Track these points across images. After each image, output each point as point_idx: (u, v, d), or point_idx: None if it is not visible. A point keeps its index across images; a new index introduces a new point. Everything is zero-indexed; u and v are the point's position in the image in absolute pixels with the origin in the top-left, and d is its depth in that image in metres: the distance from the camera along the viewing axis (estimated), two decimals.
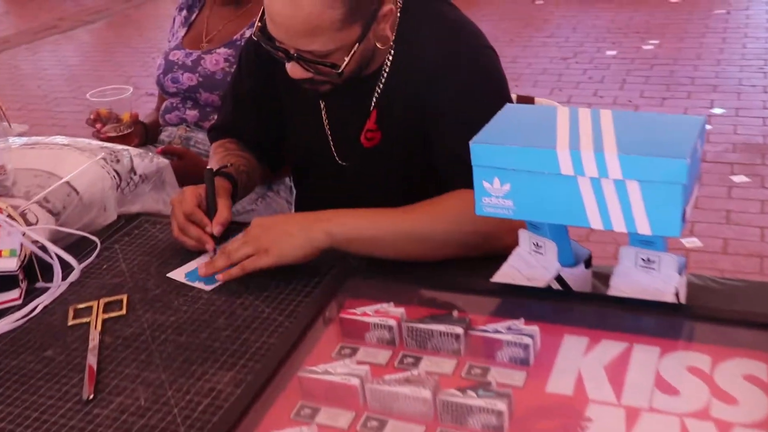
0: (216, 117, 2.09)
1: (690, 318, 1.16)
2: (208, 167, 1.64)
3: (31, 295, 1.45)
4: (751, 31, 5.82)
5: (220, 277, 1.39)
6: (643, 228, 1.10)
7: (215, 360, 1.22)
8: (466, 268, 1.39)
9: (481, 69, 1.49)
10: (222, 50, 2.29)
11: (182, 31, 2.45)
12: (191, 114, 2.35)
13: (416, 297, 1.25)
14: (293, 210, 2.17)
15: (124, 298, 1.40)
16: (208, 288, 1.42)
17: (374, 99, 1.56)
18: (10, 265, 1.39)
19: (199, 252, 1.52)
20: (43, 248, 1.47)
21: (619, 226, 1.11)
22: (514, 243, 1.40)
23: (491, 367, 1.09)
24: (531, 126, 1.19)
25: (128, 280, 1.47)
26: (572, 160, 1.09)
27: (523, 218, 1.19)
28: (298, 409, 1.05)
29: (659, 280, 1.18)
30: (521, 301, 1.22)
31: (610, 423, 0.98)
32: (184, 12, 2.49)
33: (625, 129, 1.12)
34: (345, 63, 1.40)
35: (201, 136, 2.33)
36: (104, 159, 1.70)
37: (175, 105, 2.38)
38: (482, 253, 1.42)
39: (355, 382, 1.05)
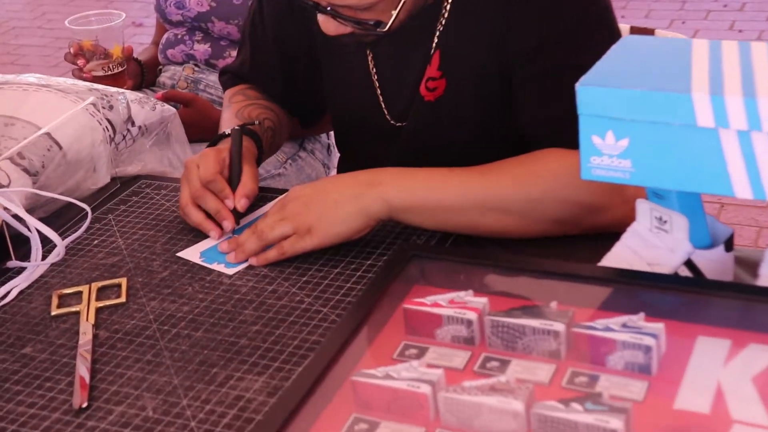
0: (235, 54, 2.06)
1: None
2: (225, 128, 1.64)
3: (1, 277, 1.46)
4: None
5: (253, 261, 1.40)
6: None
7: (242, 362, 1.23)
8: (565, 247, 1.38)
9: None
10: None
11: None
12: (201, 49, 2.34)
13: (502, 283, 1.23)
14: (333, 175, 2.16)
15: (123, 282, 1.41)
16: (231, 272, 1.42)
17: (436, 38, 1.55)
18: None
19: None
20: (18, 218, 1.47)
21: None
22: (626, 218, 1.37)
23: (601, 374, 1.08)
24: (657, 64, 1.17)
25: (127, 259, 1.48)
26: (713, 108, 1.06)
27: (644, 184, 1.16)
28: (351, 424, 1.05)
29: None
30: (639, 292, 1.20)
31: None
32: None
33: None
34: (393, 18, 1.38)
35: (213, 78, 2.32)
36: (94, 105, 1.70)
37: (179, 37, 2.38)
38: (582, 229, 1.41)
39: (426, 389, 1.05)
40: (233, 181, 1.50)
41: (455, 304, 1.17)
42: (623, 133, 1.12)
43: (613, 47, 1.20)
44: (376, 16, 1.37)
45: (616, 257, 1.25)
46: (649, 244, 1.24)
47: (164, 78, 2.39)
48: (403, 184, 1.38)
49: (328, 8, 1.37)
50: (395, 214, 1.37)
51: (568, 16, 1.44)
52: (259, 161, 1.65)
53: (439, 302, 1.17)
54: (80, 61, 2.17)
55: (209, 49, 2.34)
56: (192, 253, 1.48)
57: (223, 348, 1.26)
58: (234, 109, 1.72)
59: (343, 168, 1.89)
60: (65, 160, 1.62)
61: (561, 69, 1.40)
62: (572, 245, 1.38)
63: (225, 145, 1.56)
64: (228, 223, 1.47)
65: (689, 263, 1.22)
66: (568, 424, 0.98)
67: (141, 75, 2.37)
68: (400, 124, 1.64)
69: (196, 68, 2.35)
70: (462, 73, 1.54)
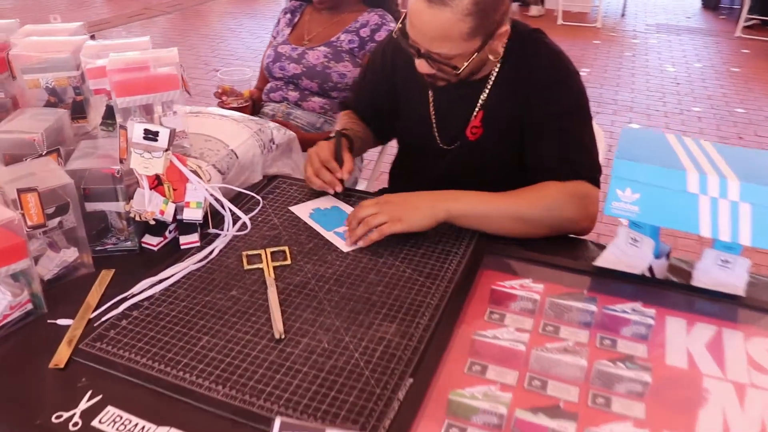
0: (314, 99, 2.01)
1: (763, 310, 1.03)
2: (336, 129, 1.52)
3: (205, 239, 1.26)
4: (650, 70, 5.68)
5: (362, 242, 1.24)
6: (745, 239, 0.97)
7: (377, 312, 1.06)
8: (572, 251, 1.24)
9: (577, 89, 1.34)
10: (322, 48, 2.09)
11: (287, 30, 2.24)
12: (292, 95, 2.15)
13: (545, 275, 1.09)
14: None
15: (286, 249, 1.23)
16: (347, 249, 1.25)
17: (480, 102, 1.41)
18: (197, 215, 1.21)
19: (319, 195, 1.43)
20: (217, 201, 1.28)
21: (725, 235, 0.97)
22: (589, 227, 1.29)
23: (617, 338, 0.95)
24: (654, 148, 1.04)
25: (283, 233, 1.30)
26: (699, 182, 0.96)
27: (646, 222, 1.04)
28: (470, 365, 0.90)
29: (733, 277, 1.05)
30: (629, 286, 1.07)
31: (723, 395, 0.86)
32: (289, 15, 2.28)
33: (731, 159, 0.99)
34: (463, 67, 1.27)
35: (299, 113, 2.13)
36: (256, 132, 1.50)
37: (279, 87, 2.18)
38: (565, 232, 1.29)
39: (521, 348, 0.91)
40: (338, 162, 1.41)
41: (525, 288, 1.03)
42: (637, 190, 1.00)
43: (623, 135, 1.06)
44: (455, 63, 1.26)
45: (607, 259, 1.12)
46: (626, 254, 1.11)
47: (267, 109, 2.19)
48: (462, 199, 1.26)
49: (425, 53, 1.26)
50: (452, 218, 1.25)
51: (564, 101, 1.33)
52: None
53: (514, 286, 1.04)
54: (223, 97, 1.97)
55: (298, 95, 2.14)
56: (302, 210, 1.38)
57: (362, 301, 1.09)
58: (341, 123, 1.62)
59: (399, 171, 1.74)
60: (240, 165, 1.43)
61: (557, 131, 1.31)
62: (576, 250, 1.24)
63: (332, 141, 1.45)
64: (338, 188, 1.40)
65: (650, 268, 1.09)
66: (616, 376, 0.87)
67: (253, 108, 2.15)
68: (446, 147, 1.49)
69: (289, 106, 2.15)
70: (496, 127, 1.41)
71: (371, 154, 2.03)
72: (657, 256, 1.10)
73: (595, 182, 1.30)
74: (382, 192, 1.82)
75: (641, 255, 1.10)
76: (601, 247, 1.20)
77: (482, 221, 1.25)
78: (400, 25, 1.30)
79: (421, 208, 1.24)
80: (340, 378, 0.92)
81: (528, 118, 1.35)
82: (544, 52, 1.36)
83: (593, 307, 0.98)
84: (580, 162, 1.30)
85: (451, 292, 1.08)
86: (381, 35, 2.08)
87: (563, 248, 1.23)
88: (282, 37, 2.23)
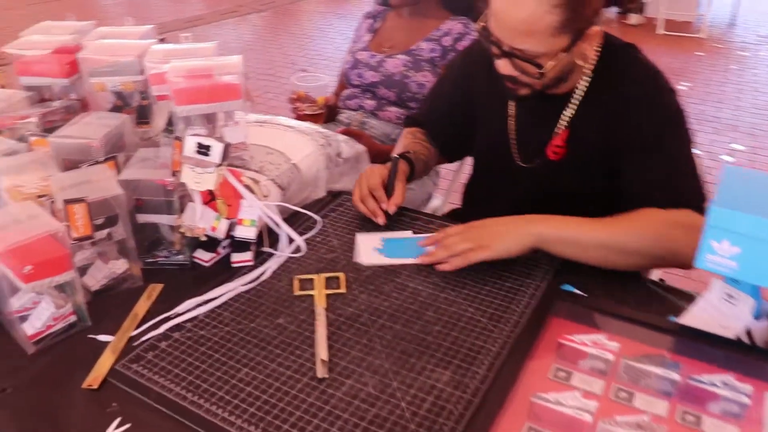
0: (390, 109, 1.92)
1: None
2: (394, 154, 1.42)
3: (258, 257, 1.21)
4: (760, 86, 5.32)
5: (443, 266, 1.15)
6: None
7: (431, 355, 0.97)
8: (652, 305, 1.10)
9: (676, 109, 1.22)
10: (401, 57, 2.02)
11: (368, 36, 2.17)
12: (369, 103, 2.08)
13: (623, 330, 0.97)
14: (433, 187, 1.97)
15: (342, 276, 1.15)
16: (412, 261, 1.19)
17: (564, 119, 1.30)
18: (250, 233, 1.16)
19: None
20: (272, 219, 1.22)
21: None
22: (690, 261, 1.13)
23: (703, 415, 0.83)
24: (761, 194, 0.90)
25: (341, 257, 1.22)
26: None
27: (746, 280, 0.90)
28: (526, 430, 0.80)
29: None
30: (720, 352, 0.93)
31: None
32: (370, 20, 2.21)
33: None
34: (549, 67, 1.16)
35: (374, 122, 2.07)
36: (322, 145, 1.44)
37: (356, 94, 2.12)
38: (666, 266, 1.18)
39: (587, 418, 0.80)
40: (388, 191, 1.31)
41: (597, 345, 0.91)
42: (737, 242, 0.86)
43: (725, 176, 0.93)
44: (536, 61, 1.16)
45: (695, 317, 0.99)
46: (720, 312, 0.98)
47: (342, 117, 2.13)
48: (553, 224, 1.16)
49: (508, 50, 1.17)
50: (542, 243, 1.15)
51: (663, 122, 1.21)
52: (410, 178, 1.43)
53: (585, 341, 0.93)
54: (297, 104, 1.92)
55: (374, 103, 2.07)
56: (373, 237, 1.27)
57: (416, 342, 1.00)
58: (404, 143, 1.52)
59: (474, 190, 1.63)
60: (302, 180, 1.37)
61: (656, 154, 1.20)
62: (658, 300, 1.11)
63: (387, 165, 1.37)
64: (380, 220, 1.29)
65: (748, 331, 0.96)
66: None
67: (328, 115, 2.10)
68: (524, 165, 1.39)
69: (365, 115, 2.09)
70: (580, 148, 1.30)
71: (449, 166, 1.94)
72: (757, 317, 0.97)
73: (702, 211, 1.16)
74: (453, 213, 1.73)
75: (738, 315, 0.96)
76: (688, 298, 1.07)
77: (575, 248, 1.15)
78: (482, 23, 1.21)
79: (509, 233, 1.15)
80: (382, 430, 0.84)
81: (621, 140, 1.23)
82: (639, 68, 1.24)
83: (676, 375, 0.86)
84: (684, 188, 1.18)
85: (514, 339, 0.98)
86: (463, 45, 1.99)
87: (642, 296, 1.11)
88: (362, 43, 2.17)
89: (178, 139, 1.11)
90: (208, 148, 1.04)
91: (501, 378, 0.89)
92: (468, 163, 1.86)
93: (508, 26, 1.14)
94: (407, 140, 1.53)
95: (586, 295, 1.07)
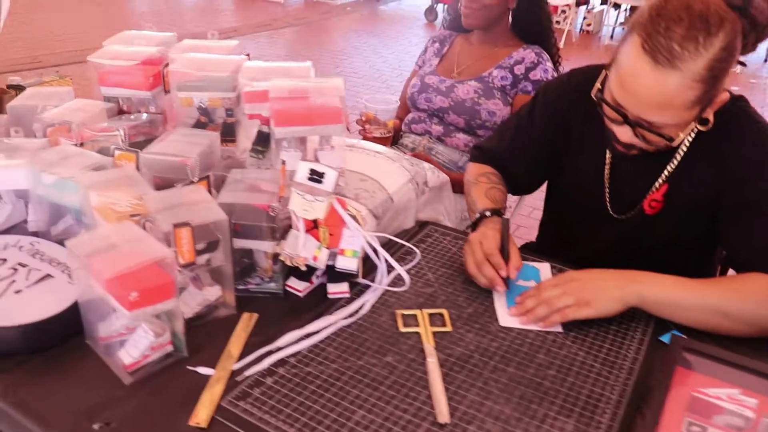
0: (457, 135, 1.87)
1: None
2: (476, 202, 1.37)
3: (353, 289, 1.17)
4: None
5: (542, 324, 1.10)
6: None
7: (551, 403, 0.93)
8: None
9: None
10: (473, 83, 2.00)
11: (435, 60, 2.16)
12: (436, 129, 2.06)
13: (759, 386, 0.92)
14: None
15: (445, 313, 1.12)
16: (505, 324, 1.11)
17: (666, 173, 1.25)
18: (352, 265, 1.12)
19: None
20: (374, 250, 1.17)
21: None
22: None
23: None
24: None
25: (438, 291, 1.19)
26: None
27: None
28: None
29: None
30: None
31: None
32: (437, 44, 2.20)
33: None
34: (680, 138, 1.11)
35: (441, 148, 2.05)
36: (412, 174, 1.41)
37: (422, 118, 2.10)
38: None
39: None
40: (504, 256, 1.20)
41: (734, 401, 0.87)
42: None
43: None
44: (665, 132, 1.10)
45: None
46: None
47: (407, 141, 2.11)
48: (656, 284, 1.10)
49: (634, 121, 1.10)
50: (644, 304, 1.10)
51: None
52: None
53: (721, 396, 0.88)
54: (366, 126, 1.89)
55: (441, 129, 2.05)
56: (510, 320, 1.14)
57: (533, 387, 0.96)
58: (482, 189, 1.42)
59: (552, 227, 1.57)
60: (395, 209, 1.34)
61: (765, 217, 1.14)
62: None
63: (497, 227, 1.26)
64: (500, 288, 1.18)
65: None
66: None
67: (393, 138, 2.08)
68: (617, 216, 1.34)
69: (431, 140, 2.06)
70: (682, 203, 1.25)
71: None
72: None
73: None
74: (526, 246, 1.67)
75: None
76: None
77: (677, 311, 1.09)
78: (600, 86, 1.16)
79: (610, 290, 1.10)
80: None
81: (728, 199, 1.18)
82: (751, 124, 1.19)
83: None
84: None
85: (632, 387, 0.94)
86: (536, 74, 1.96)
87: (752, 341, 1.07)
88: (429, 67, 2.15)
89: (284, 163, 1.08)
90: (321, 175, 1.01)
91: (630, 430, 0.85)
92: (529, 199, 1.82)
93: (641, 97, 1.07)
94: (485, 186, 1.43)
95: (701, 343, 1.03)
